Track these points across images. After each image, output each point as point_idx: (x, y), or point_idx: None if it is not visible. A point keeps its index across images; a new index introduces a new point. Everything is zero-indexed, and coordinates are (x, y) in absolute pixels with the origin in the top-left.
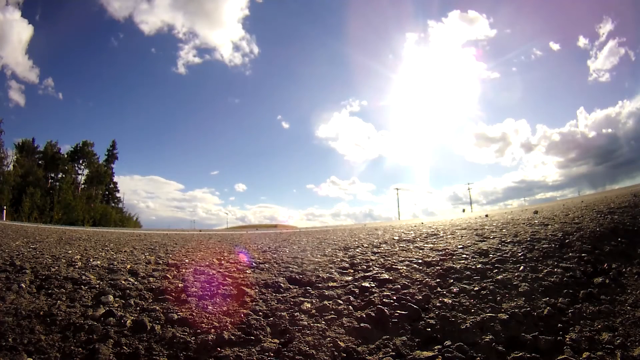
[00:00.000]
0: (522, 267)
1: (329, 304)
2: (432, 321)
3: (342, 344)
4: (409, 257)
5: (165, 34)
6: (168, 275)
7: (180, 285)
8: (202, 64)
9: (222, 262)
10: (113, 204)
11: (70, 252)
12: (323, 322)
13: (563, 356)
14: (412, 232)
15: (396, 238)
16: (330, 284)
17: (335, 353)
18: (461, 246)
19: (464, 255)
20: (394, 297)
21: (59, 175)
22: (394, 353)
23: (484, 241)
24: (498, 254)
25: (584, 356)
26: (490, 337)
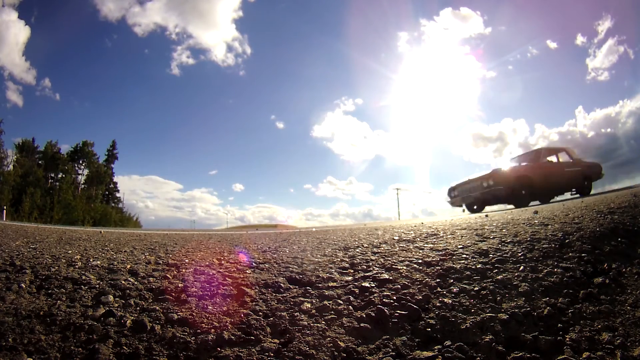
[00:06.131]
0: (522, 267)
1: (329, 304)
2: (432, 321)
3: (342, 344)
4: (409, 257)
5: (158, 35)
6: (168, 275)
7: (180, 285)
8: (196, 65)
9: (222, 262)
10: (113, 204)
11: (70, 252)
12: (323, 322)
13: (563, 356)
14: (412, 232)
15: (396, 238)
16: (330, 284)
17: (335, 353)
18: (461, 246)
19: (464, 255)
20: (394, 297)
21: (59, 175)
22: (394, 353)
23: (484, 241)
24: (498, 254)
25: (584, 356)
26: (490, 337)
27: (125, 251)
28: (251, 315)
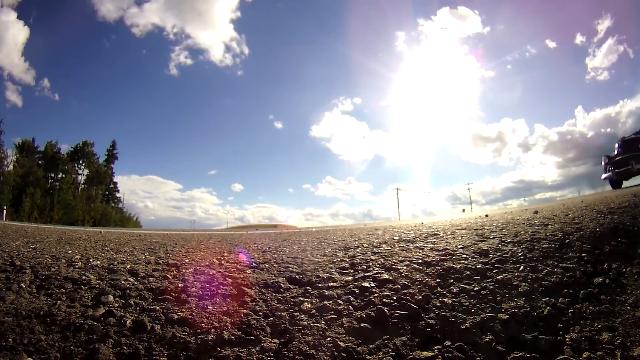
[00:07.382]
0: (522, 267)
1: (329, 304)
2: (432, 321)
3: (342, 344)
4: (409, 257)
5: (156, 36)
6: (168, 275)
7: (180, 285)
8: (194, 65)
9: (222, 262)
10: (113, 204)
11: (70, 252)
12: (323, 322)
13: (563, 356)
14: (412, 232)
15: (396, 238)
16: (330, 284)
17: (335, 353)
18: (461, 246)
19: (464, 255)
20: (394, 297)
21: (59, 175)
22: (394, 353)
23: (484, 241)
24: (498, 254)
25: (584, 356)
26: (490, 337)
27: (125, 251)
28: (251, 315)
